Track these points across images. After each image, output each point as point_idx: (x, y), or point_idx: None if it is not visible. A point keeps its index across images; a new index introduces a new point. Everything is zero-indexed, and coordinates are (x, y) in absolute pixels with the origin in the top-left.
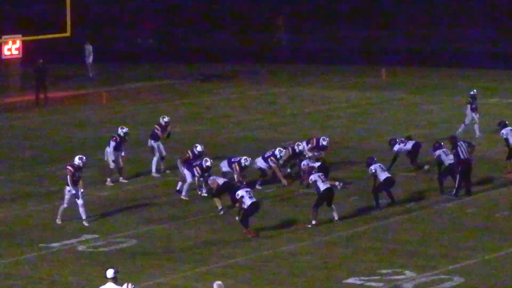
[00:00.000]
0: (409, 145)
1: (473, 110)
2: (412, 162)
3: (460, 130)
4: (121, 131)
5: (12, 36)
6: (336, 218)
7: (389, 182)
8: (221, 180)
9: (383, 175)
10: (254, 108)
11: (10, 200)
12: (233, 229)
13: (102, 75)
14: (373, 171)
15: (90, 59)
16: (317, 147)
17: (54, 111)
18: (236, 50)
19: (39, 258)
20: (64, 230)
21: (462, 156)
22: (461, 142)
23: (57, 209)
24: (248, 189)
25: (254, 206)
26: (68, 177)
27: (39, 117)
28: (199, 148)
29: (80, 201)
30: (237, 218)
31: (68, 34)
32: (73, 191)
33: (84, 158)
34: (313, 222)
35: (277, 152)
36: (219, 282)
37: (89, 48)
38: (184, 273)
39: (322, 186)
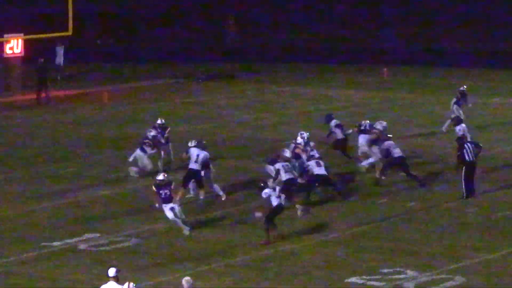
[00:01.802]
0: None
1: (459, 105)
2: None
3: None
4: (159, 121)
5: (14, 34)
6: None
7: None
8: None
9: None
10: (255, 107)
11: (12, 199)
12: (234, 228)
13: (103, 74)
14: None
15: (61, 61)
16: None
17: (56, 110)
18: (238, 49)
19: (41, 257)
20: (66, 229)
21: (467, 158)
22: (468, 143)
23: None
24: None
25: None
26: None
27: (41, 116)
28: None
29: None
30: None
31: (69, 32)
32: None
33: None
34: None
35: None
36: (188, 278)
37: (60, 50)
38: (185, 272)
39: (275, 201)
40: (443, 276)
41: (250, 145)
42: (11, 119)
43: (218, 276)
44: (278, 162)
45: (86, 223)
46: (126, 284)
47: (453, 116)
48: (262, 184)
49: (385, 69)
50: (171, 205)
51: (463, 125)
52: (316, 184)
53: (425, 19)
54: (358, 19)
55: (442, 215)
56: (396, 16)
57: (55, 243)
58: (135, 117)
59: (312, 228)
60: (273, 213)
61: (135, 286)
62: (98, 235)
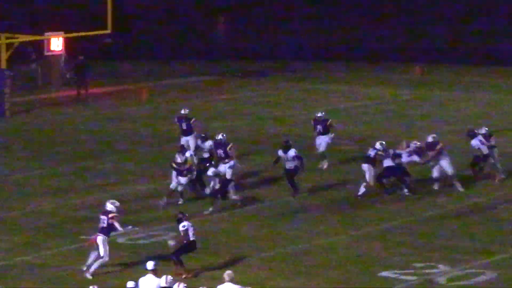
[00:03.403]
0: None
1: None
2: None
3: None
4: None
5: (55, 33)
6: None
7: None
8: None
9: None
10: (290, 104)
11: (52, 193)
12: (269, 223)
13: (143, 71)
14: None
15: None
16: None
17: (95, 106)
18: (271, 48)
19: (80, 250)
20: None
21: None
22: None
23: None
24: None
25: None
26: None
27: (80, 112)
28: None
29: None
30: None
31: (109, 30)
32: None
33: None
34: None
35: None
36: (229, 272)
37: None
38: (221, 266)
39: (192, 237)
40: (474, 270)
41: (281, 141)
42: (51, 115)
43: (253, 270)
44: None
45: (124, 216)
46: (164, 277)
47: None
48: (180, 216)
49: (416, 67)
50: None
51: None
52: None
53: (458, 17)
54: (391, 16)
55: (474, 211)
56: (431, 13)
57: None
58: (172, 114)
59: (346, 223)
60: (185, 249)
61: (172, 279)
62: (136, 228)
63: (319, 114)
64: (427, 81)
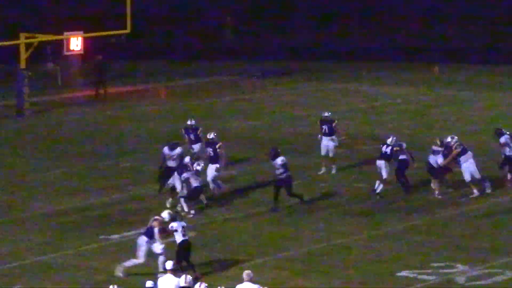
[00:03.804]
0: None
1: None
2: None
3: None
4: (189, 122)
5: (74, 32)
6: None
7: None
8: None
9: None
10: (308, 104)
11: (71, 193)
12: (288, 222)
13: (160, 71)
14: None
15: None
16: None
17: (114, 106)
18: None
19: (100, 250)
20: (124, 222)
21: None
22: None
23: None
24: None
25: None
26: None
27: (99, 112)
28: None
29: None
30: None
31: (128, 30)
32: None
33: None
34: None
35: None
36: (248, 271)
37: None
38: (240, 266)
39: (180, 238)
40: (493, 270)
41: (303, 141)
42: (70, 115)
43: (272, 269)
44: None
45: (143, 216)
46: (183, 276)
47: None
48: (174, 216)
49: (436, 67)
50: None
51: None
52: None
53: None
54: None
55: (493, 210)
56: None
57: (113, 236)
58: (191, 113)
59: (364, 223)
60: (178, 253)
61: (191, 279)
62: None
63: (325, 114)
64: (447, 80)
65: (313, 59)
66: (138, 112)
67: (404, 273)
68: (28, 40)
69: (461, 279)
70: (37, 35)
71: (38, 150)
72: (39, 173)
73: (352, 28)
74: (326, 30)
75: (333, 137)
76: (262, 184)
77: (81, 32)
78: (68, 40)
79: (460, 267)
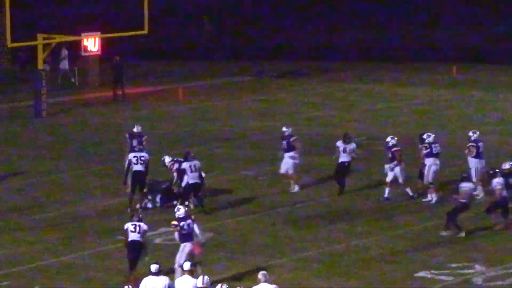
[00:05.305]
0: None
1: None
2: None
3: None
4: (136, 129)
5: (91, 33)
6: None
7: None
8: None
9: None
10: (326, 105)
11: (89, 193)
12: (306, 223)
13: (179, 71)
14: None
15: (66, 65)
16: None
17: (131, 106)
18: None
19: (117, 250)
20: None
21: None
22: None
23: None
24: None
25: None
26: None
27: (117, 113)
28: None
29: None
30: None
31: (145, 31)
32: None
33: None
34: None
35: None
36: (264, 272)
37: (65, 52)
38: (257, 266)
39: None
40: (511, 271)
41: (319, 142)
42: (88, 115)
43: (289, 270)
44: None
45: (161, 217)
46: (201, 277)
47: None
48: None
49: (454, 67)
50: None
51: None
52: None
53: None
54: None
55: (510, 211)
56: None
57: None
58: (208, 114)
59: (382, 224)
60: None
61: (209, 280)
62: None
63: (284, 129)
64: (465, 81)
65: (330, 59)
66: (156, 112)
67: (421, 273)
68: (45, 41)
69: (478, 280)
70: (54, 35)
71: (56, 151)
72: (56, 174)
73: (368, 28)
74: (342, 30)
75: (292, 153)
76: (280, 185)
77: (98, 33)
78: (86, 41)
79: (478, 267)
